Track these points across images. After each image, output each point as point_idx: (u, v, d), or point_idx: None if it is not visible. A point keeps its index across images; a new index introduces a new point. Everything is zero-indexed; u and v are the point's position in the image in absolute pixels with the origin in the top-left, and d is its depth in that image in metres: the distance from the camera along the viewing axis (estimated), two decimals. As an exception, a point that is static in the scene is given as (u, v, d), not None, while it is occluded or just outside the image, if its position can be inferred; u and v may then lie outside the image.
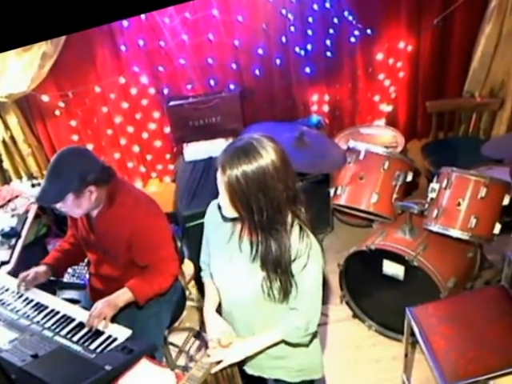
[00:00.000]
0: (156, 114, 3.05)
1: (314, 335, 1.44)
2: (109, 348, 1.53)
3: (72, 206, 1.63)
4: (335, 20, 2.95)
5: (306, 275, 1.27)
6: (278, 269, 1.26)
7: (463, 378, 1.70)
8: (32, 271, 1.80)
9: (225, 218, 1.34)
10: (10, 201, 2.50)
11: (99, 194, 1.65)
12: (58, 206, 1.64)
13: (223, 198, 1.24)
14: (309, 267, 1.27)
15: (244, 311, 1.39)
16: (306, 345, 1.44)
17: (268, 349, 1.42)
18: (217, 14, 2.77)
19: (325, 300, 2.61)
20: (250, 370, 1.54)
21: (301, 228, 1.27)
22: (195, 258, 2.47)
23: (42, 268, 1.82)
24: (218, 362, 1.36)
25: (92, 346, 1.54)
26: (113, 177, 1.70)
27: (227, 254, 1.38)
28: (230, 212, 1.26)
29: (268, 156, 1.17)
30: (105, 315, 1.62)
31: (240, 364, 1.46)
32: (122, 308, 1.73)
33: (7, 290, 1.84)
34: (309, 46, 2.99)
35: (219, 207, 1.32)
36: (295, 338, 1.38)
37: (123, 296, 1.69)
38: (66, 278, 2.31)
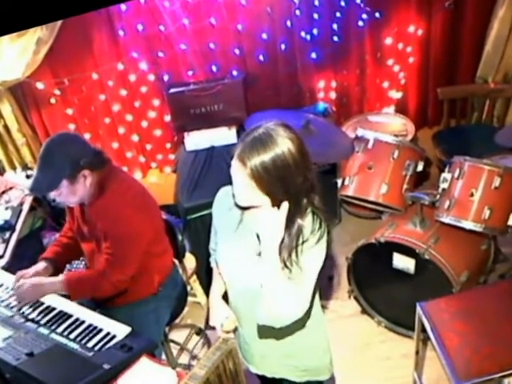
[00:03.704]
0: (156, 102, 3.00)
1: (316, 331, 1.42)
2: (107, 346, 1.49)
3: (67, 194, 1.60)
4: (342, 3, 2.89)
5: (307, 259, 1.24)
6: (289, 258, 1.23)
7: (477, 376, 1.66)
8: (32, 270, 1.73)
9: (237, 205, 1.31)
10: (3, 193, 2.46)
11: (94, 179, 1.62)
12: (53, 194, 1.61)
13: (239, 189, 1.22)
14: (314, 252, 1.24)
15: (250, 301, 1.36)
16: (312, 340, 1.42)
17: (277, 346, 1.40)
18: (219, -3, 2.70)
19: (332, 295, 2.58)
20: (253, 368, 1.52)
21: (313, 214, 1.25)
22: (197, 252, 2.44)
23: (41, 265, 1.75)
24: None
25: (90, 344, 1.50)
26: (106, 162, 1.66)
27: (234, 243, 1.35)
28: (245, 202, 1.25)
29: (285, 145, 1.17)
30: (26, 301, 1.63)
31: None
32: (120, 303, 1.70)
33: (1, 285, 1.79)
34: (315, 31, 2.93)
35: (233, 195, 1.29)
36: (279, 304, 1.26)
37: (54, 286, 1.66)
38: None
